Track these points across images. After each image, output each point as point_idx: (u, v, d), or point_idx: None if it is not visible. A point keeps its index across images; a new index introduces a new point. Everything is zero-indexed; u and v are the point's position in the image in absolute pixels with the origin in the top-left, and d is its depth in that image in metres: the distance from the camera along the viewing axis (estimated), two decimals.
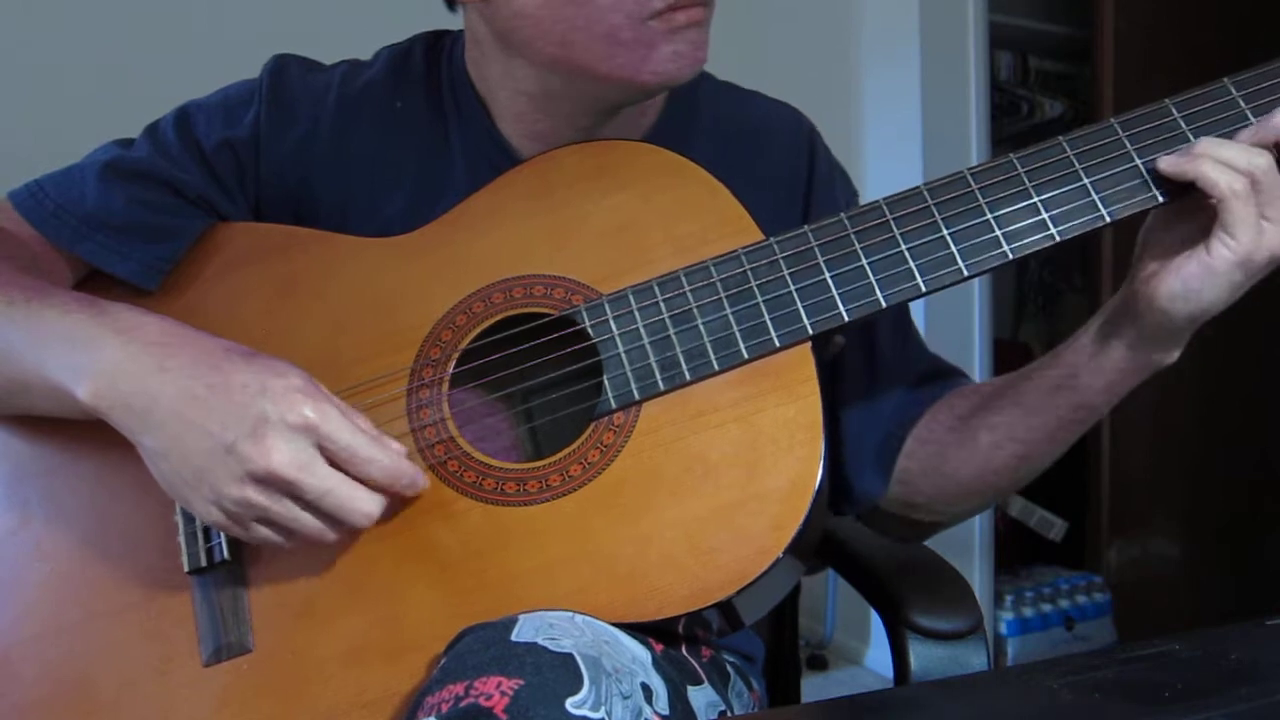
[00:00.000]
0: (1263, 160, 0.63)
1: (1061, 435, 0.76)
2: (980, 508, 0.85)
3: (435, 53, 0.85)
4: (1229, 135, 0.66)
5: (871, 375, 0.83)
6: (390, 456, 0.64)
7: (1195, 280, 0.65)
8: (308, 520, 0.63)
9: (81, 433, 0.70)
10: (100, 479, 0.72)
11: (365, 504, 0.63)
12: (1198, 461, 2.37)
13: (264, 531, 0.64)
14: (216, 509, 0.63)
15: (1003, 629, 2.34)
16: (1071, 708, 0.52)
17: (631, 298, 0.70)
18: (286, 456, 0.61)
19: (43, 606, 0.70)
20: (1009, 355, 2.63)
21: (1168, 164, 0.66)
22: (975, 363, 2.26)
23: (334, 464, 0.63)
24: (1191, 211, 0.66)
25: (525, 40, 0.74)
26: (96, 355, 0.65)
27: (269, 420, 0.61)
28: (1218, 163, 0.64)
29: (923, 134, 2.20)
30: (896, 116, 2.25)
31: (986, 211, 0.67)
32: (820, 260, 0.69)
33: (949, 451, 0.79)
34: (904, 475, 0.81)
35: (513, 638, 0.56)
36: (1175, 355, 0.71)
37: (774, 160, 0.84)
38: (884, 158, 2.28)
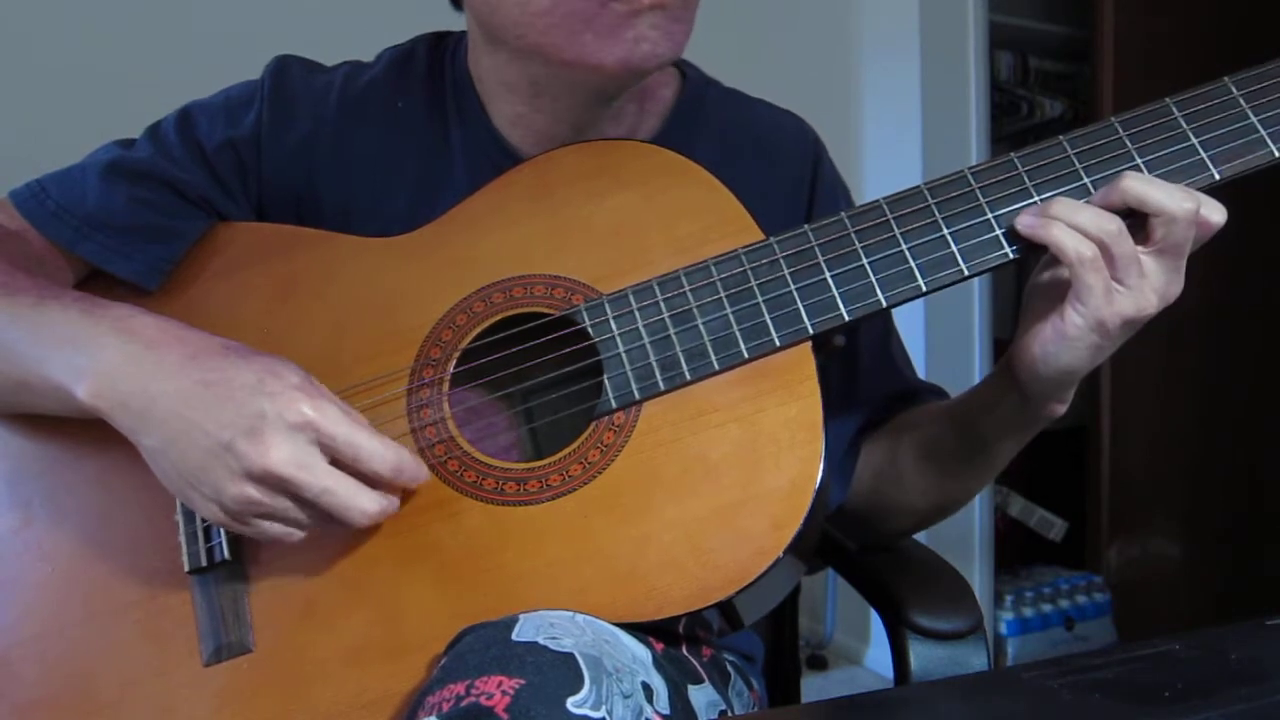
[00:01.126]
0: (1113, 226, 0.63)
1: (967, 475, 0.81)
2: (907, 531, 0.89)
3: (438, 53, 0.85)
4: (1232, 135, 0.66)
5: (848, 387, 0.85)
6: (391, 450, 0.64)
7: (1051, 345, 0.67)
8: (307, 519, 0.63)
9: (83, 432, 0.70)
10: (101, 479, 0.72)
11: (364, 502, 0.63)
12: (1198, 461, 2.37)
13: (266, 526, 0.64)
14: (217, 506, 0.63)
15: (1003, 629, 2.34)
16: (1071, 708, 0.52)
17: (632, 297, 0.70)
18: (285, 454, 0.61)
19: (44, 606, 0.70)
20: None
21: (1022, 224, 0.66)
22: (975, 363, 2.26)
23: (335, 462, 0.63)
24: (1060, 270, 0.67)
25: (499, 27, 0.74)
26: (96, 355, 0.65)
27: (267, 418, 0.61)
28: (1069, 227, 0.64)
29: (923, 134, 2.21)
30: (896, 116, 2.26)
31: (987, 211, 0.67)
32: (821, 260, 0.69)
33: (880, 471, 0.83)
34: (853, 487, 0.84)
35: (513, 637, 0.56)
36: (1062, 409, 0.72)
37: (779, 169, 0.85)
38: (884, 158, 2.28)
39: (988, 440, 0.77)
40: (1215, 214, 0.64)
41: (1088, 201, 0.66)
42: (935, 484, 0.82)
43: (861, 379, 0.85)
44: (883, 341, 0.87)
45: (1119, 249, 0.63)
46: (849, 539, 0.91)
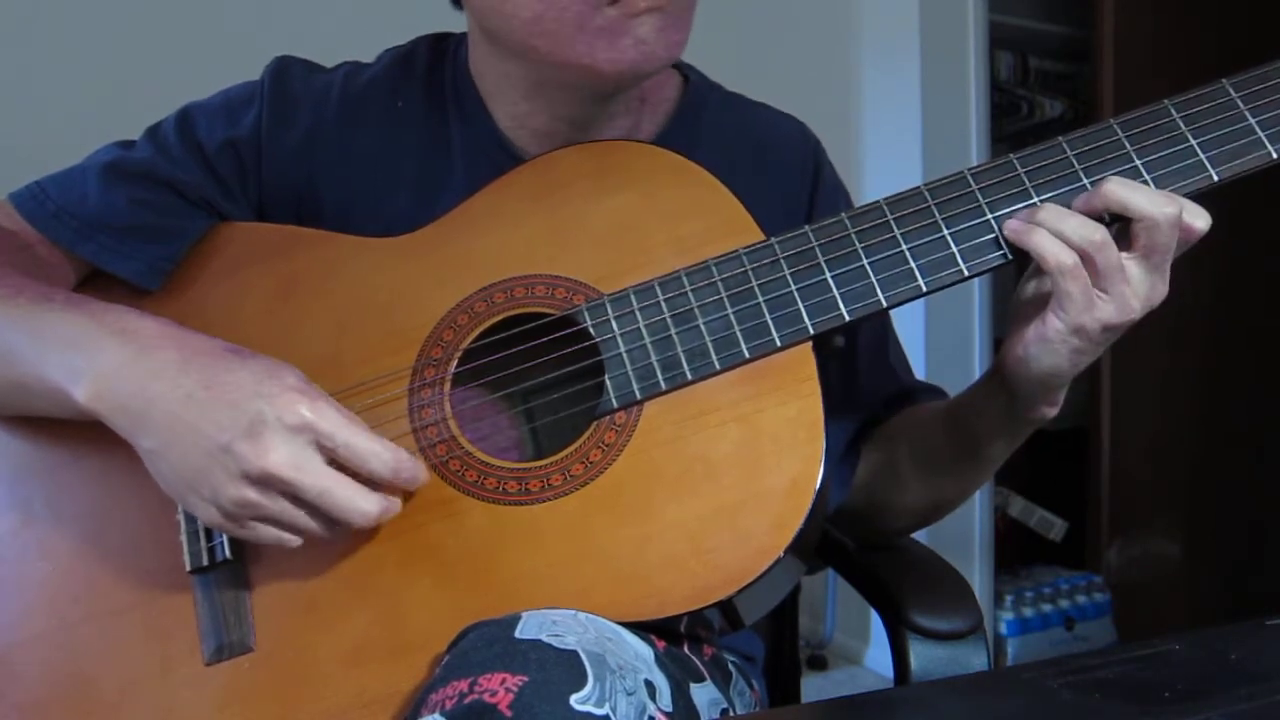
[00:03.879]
0: (1097, 235, 0.64)
1: (962, 476, 0.81)
2: (905, 529, 0.90)
3: (438, 54, 0.85)
4: (1230, 136, 0.66)
5: (847, 389, 0.85)
6: (389, 451, 0.64)
7: (1034, 349, 0.67)
8: (306, 519, 0.63)
9: (83, 432, 0.70)
10: (102, 479, 0.72)
11: (363, 503, 0.63)
12: (1198, 461, 2.37)
13: (263, 529, 0.64)
14: (214, 509, 0.63)
15: (1003, 629, 2.34)
16: (1071, 708, 0.52)
17: (633, 297, 0.70)
18: (284, 456, 0.61)
19: (44, 606, 0.70)
20: None
21: (1008, 229, 0.67)
22: (975, 363, 2.26)
23: (333, 463, 0.63)
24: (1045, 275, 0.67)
25: (497, 28, 0.74)
26: (94, 357, 0.65)
27: (265, 420, 0.61)
28: (1052, 235, 0.64)
29: (923, 134, 2.21)
30: (896, 116, 2.26)
31: (987, 212, 0.68)
32: (821, 260, 0.69)
33: (878, 471, 0.84)
34: (852, 487, 0.85)
35: (516, 635, 0.56)
36: (1053, 411, 0.73)
37: (779, 173, 0.85)
38: (884, 158, 2.28)
39: (980, 441, 0.77)
40: (1198, 220, 0.64)
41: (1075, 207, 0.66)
42: (932, 484, 0.82)
43: (860, 381, 0.86)
44: (880, 344, 0.88)
45: (1102, 258, 0.64)
46: (847, 538, 0.91)
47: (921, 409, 0.85)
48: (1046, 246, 0.64)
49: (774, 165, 0.85)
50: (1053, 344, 0.66)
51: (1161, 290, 0.66)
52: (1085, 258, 0.64)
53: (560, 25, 0.70)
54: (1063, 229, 0.64)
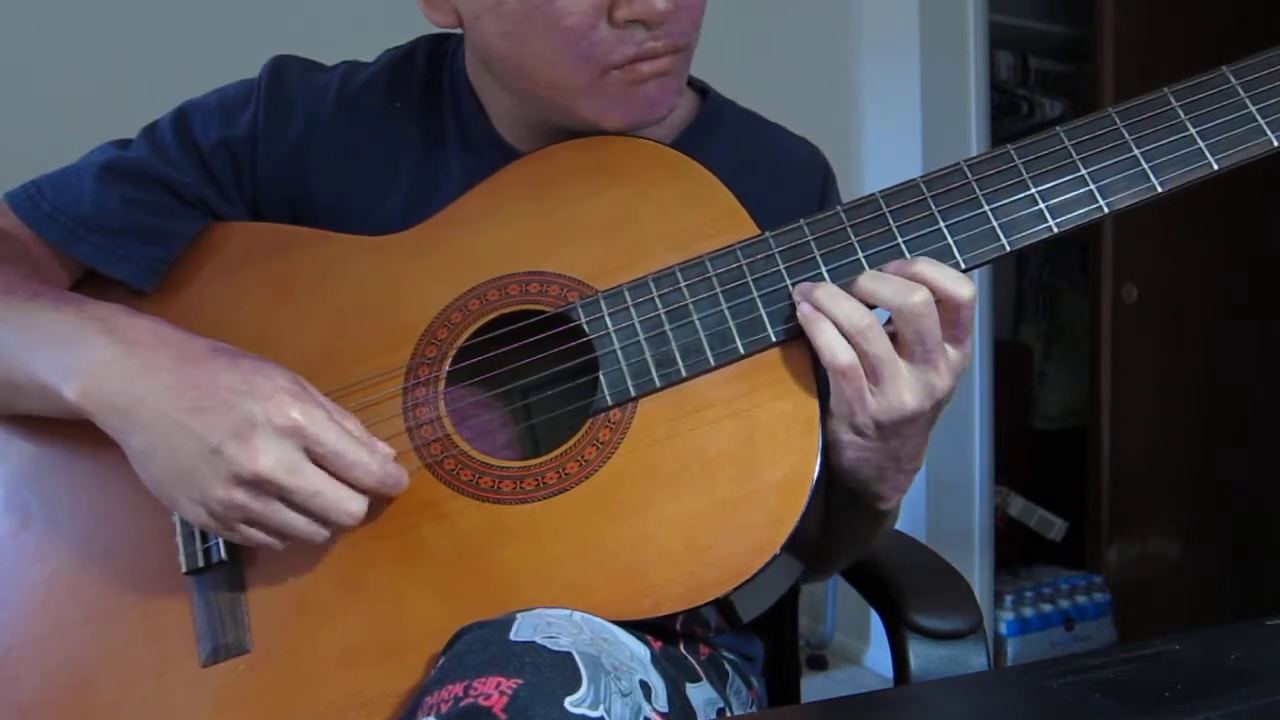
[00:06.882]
0: (864, 321, 0.63)
1: (849, 518, 0.76)
2: (823, 571, 0.87)
3: (438, 55, 0.85)
4: (1230, 124, 0.66)
5: None
6: (376, 460, 0.64)
7: (832, 454, 0.67)
8: (295, 521, 0.63)
9: (80, 434, 0.69)
10: (99, 481, 0.72)
11: (352, 504, 0.63)
12: (1198, 461, 2.37)
13: (251, 532, 0.63)
14: (203, 510, 0.63)
15: (1003, 629, 2.34)
16: (1071, 708, 0.51)
17: (627, 294, 0.70)
18: (273, 459, 0.61)
19: (42, 608, 0.70)
20: (1009, 355, 2.63)
21: (800, 315, 0.65)
22: (975, 362, 2.26)
23: (320, 466, 0.63)
24: None
25: (496, 71, 0.75)
26: (84, 355, 0.65)
27: (256, 422, 0.61)
28: (835, 331, 0.63)
29: (923, 134, 2.21)
30: (896, 116, 2.26)
31: (983, 203, 0.67)
32: (816, 254, 0.68)
33: None
34: None
35: (511, 637, 0.56)
36: (894, 500, 0.71)
37: (788, 195, 0.84)
38: (884, 157, 2.28)
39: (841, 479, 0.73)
40: (962, 288, 0.62)
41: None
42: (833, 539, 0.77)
43: None
44: None
45: (870, 348, 0.63)
46: None
47: None
48: (825, 342, 0.63)
49: (782, 186, 0.84)
50: (843, 448, 0.66)
51: (940, 384, 0.64)
52: (858, 350, 0.63)
53: (560, 87, 0.71)
54: (838, 313, 0.63)
